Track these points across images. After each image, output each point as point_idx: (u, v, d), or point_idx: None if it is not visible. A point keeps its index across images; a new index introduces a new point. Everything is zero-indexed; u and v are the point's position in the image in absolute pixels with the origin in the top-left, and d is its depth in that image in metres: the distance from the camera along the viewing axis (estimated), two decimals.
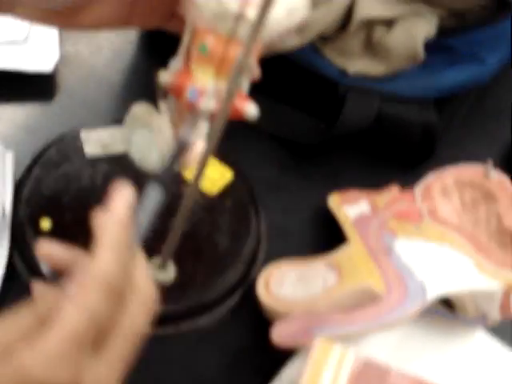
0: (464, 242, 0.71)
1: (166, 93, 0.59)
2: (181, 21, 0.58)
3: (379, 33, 0.79)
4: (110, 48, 0.84)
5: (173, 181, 0.54)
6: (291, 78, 0.82)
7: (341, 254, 0.71)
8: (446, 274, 0.68)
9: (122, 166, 0.73)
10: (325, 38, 0.79)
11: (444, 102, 0.83)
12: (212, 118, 0.56)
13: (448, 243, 0.71)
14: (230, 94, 0.50)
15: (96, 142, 0.74)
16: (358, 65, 0.80)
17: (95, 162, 0.73)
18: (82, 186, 0.72)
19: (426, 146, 0.82)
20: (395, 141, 0.82)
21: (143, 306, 0.45)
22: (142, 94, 0.81)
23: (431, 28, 0.79)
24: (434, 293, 0.67)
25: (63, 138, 0.74)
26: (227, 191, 0.75)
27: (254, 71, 0.55)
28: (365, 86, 0.80)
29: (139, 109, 0.62)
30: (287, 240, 0.77)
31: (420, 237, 0.72)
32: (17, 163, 0.73)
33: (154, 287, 0.47)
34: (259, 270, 0.72)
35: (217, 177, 0.75)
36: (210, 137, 0.53)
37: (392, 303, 0.66)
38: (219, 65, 0.55)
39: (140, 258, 0.48)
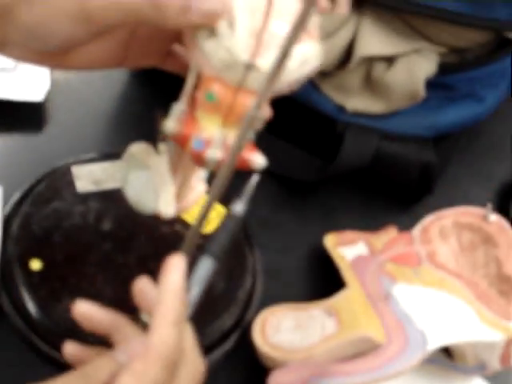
0: (464, 289, 0.70)
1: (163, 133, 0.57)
2: (176, 60, 0.56)
3: (379, 70, 0.77)
4: (101, 76, 0.82)
5: (223, 251, 0.53)
6: (288, 113, 0.79)
7: (339, 300, 0.69)
8: (447, 323, 0.67)
9: (114, 202, 0.71)
10: (324, 74, 0.78)
11: (440, 139, 0.82)
12: (217, 165, 0.54)
13: (447, 290, 0.70)
14: (239, 147, 0.49)
15: (88, 177, 0.72)
16: (356, 102, 0.78)
17: (87, 198, 0.71)
18: (74, 224, 0.69)
19: (424, 184, 0.81)
20: (393, 179, 0.81)
21: (193, 379, 0.48)
22: (135, 124, 0.80)
23: (432, 66, 0.78)
24: (434, 343, 0.65)
25: (54, 173, 0.72)
26: None
27: (265, 114, 0.53)
28: (363, 123, 0.79)
29: (137, 148, 0.60)
30: (282, 280, 0.75)
31: (419, 282, 0.70)
32: (5, 197, 0.70)
33: (202, 359, 0.50)
34: (254, 313, 0.70)
35: (213, 215, 0.73)
36: (214, 187, 0.51)
37: (392, 354, 0.65)
38: (227, 114, 0.53)
39: (188, 329, 0.50)
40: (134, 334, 0.51)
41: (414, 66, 0.77)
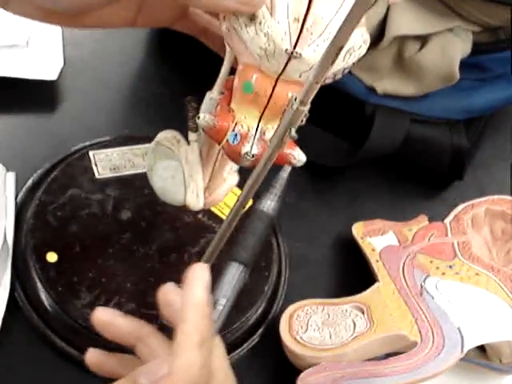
0: (500, 284, 0.67)
1: (195, 123, 0.53)
2: (190, 21, 0.52)
3: (411, 50, 0.73)
4: (117, 53, 0.77)
5: (254, 256, 0.48)
6: (315, 94, 0.76)
7: (370, 295, 0.66)
8: (484, 320, 0.64)
9: (133, 190, 0.67)
10: None
11: (470, 121, 0.78)
12: (253, 162, 0.50)
13: (484, 285, 0.66)
14: (279, 144, 0.45)
15: (105, 162, 0.68)
16: (387, 83, 0.74)
17: (105, 185, 0.67)
18: (91, 213, 0.65)
19: (455, 169, 0.77)
20: (422, 164, 0.78)
21: None
22: (154, 104, 0.76)
23: (467, 46, 0.74)
24: (472, 342, 0.62)
25: (69, 157, 0.68)
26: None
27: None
28: (393, 105, 0.75)
29: (165, 136, 0.56)
30: (308, 271, 0.71)
31: (453, 277, 0.67)
32: (17, 183, 0.66)
33: (231, 372, 0.47)
34: (281, 307, 0.67)
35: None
36: (249, 185, 0.47)
37: (428, 354, 0.61)
38: (265, 106, 0.49)
39: (217, 345, 0.47)
40: (159, 345, 0.48)
41: (449, 46, 0.73)
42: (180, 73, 0.77)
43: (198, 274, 0.45)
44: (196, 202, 0.57)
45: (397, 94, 0.74)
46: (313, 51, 0.46)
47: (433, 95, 0.75)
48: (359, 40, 0.48)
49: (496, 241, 0.73)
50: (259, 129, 0.49)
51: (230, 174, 0.58)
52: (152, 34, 0.79)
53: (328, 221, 0.74)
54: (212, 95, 0.51)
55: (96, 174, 0.67)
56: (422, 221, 0.72)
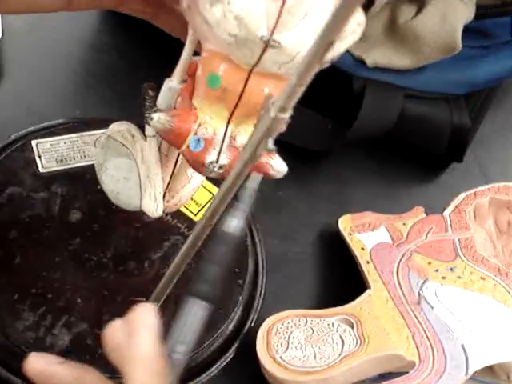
0: (507, 290, 0.58)
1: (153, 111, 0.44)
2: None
3: (406, 15, 0.64)
4: (66, 20, 0.67)
5: (217, 288, 0.38)
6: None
7: (359, 306, 0.57)
8: (491, 336, 0.56)
9: (84, 186, 0.58)
10: None
11: (470, 95, 0.69)
12: (224, 173, 0.40)
13: (489, 291, 0.58)
14: (251, 159, 0.35)
15: (51, 154, 0.58)
16: (378, 54, 0.65)
17: (50, 180, 0.57)
18: (34, 215, 0.56)
19: (454, 150, 0.68)
20: (418, 145, 0.69)
21: None
22: (108, 81, 0.66)
23: (470, 11, 0.64)
24: (478, 363, 0.54)
25: (8, 147, 0.58)
26: None
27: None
28: (385, 79, 0.65)
29: (119, 129, 0.47)
30: (288, 272, 0.63)
31: (455, 282, 0.59)
32: None
33: None
34: (257, 317, 0.58)
35: (204, 202, 0.60)
36: (212, 208, 0.38)
37: (427, 377, 0.53)
38: (235, 104, 0.39)
39: None
40: None
41: (449, 11, 0.64)
42: (140, 43, 0.66)
43: (145, 319, 0.37)
44: (154, 207, 0.47)
45: (389, 67, 0.65)
46: (295, 39, 0.36)
47: (430, 67, 0.67)
48: (352, 23, 0.39)
49: (502, 234, 0.64)
50: (228, 133, 0.40)
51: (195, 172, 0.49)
52: None
53: (310, 213, 0.65)
54: (171, 83, 0.42)
55: (40, 167, 0.58)
56: (418, 213, 0.63)
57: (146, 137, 0.46)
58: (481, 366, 0.54)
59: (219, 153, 0.39)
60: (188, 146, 0.40)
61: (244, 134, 0.40)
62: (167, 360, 0.37)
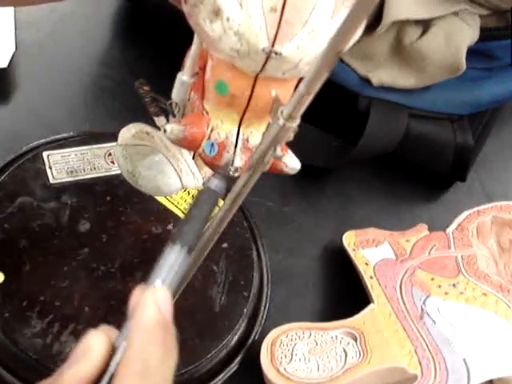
0: (509, 306, 0.59)
1: (156, 106, 0.45)
2: None
3: (412, 36, 0.65)
4: (77, 35, 0.68)
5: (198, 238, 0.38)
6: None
7: (363, 319, 0.58)
8: (492, 350, 0.56)
9: (93, 197, 0.59)
10: None
11: (474, 116, 0.70)
12: (240, 173, 0.41)
13: (491, 307, 0.59)
14: (260, 165, 0.36)
15: (62, 165, 0.59)
16: (383, 73, 0.66)
17: (60, 191, 0.58)
18: (44, 225, 0.57)
19: (458, 170, 0.69)
20: (422, 165, 0.69)
21: None
22: (118, 94, 0.67)
23: (475, 32, 0.66)
24: (480, 377, 0.55)
25: (19, 159, 0.59)
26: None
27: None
28: (390, 98, 0.67)
29: (132, 134, 0.47)
30: (293, 287, 0.63)
31: (458, 297, 0.59)
32: None
33: None
34: (262, 329, 0.59)
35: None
36: (231, 198, 0.38)
37: None
38: (245, 108, 0.40)
39: None
40: None
41: (454, 32, 0.65)
42: (149, 59, 0.68)
43: (156, 293, 0.36)
44: (195, 181, 0.48)
45: (394, 86, 0.66)
46: (296, 47, 0.37)
47: (435, 87, 0.67)
48: None
49: (504, 252, 0.65)
50: (240, 135, 0.41)
51: None
52: (118, 14, 0.70)
53: (315, 229, 0.66)
54: (184, 77, 0.42)
55: (50, 178, 0.59)
56: (422, 230, 0.64)
57: (158, 128, 0.47)
58: (482, 379, 0.55)
59: (234, 155, 0.40)
60: (203, 151, 0.41)
61: (256, 134, 0.41)
62: None
